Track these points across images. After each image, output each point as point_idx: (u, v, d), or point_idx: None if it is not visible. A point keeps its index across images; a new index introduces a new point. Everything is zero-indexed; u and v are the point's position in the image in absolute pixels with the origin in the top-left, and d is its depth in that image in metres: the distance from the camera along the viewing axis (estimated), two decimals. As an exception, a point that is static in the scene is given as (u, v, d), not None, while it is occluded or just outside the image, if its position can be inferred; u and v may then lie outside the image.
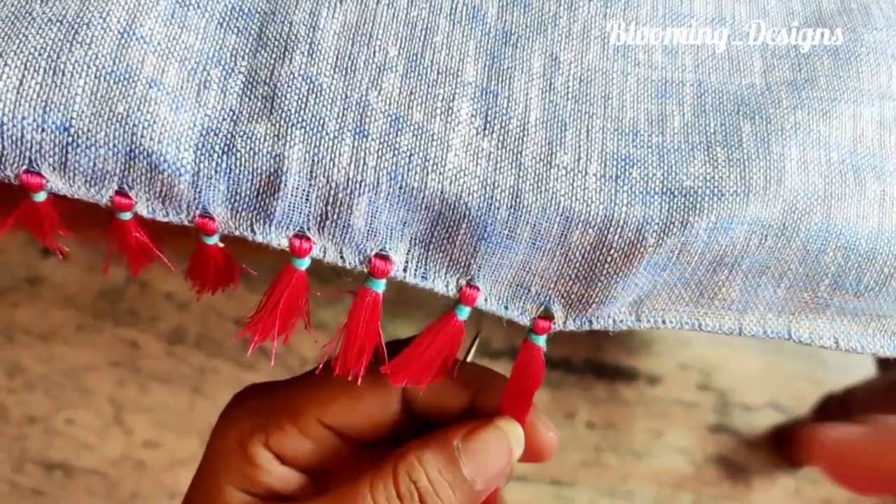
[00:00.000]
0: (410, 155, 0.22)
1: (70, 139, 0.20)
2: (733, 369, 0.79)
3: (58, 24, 0.21)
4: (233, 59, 0.22)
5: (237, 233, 0.22)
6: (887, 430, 0.24)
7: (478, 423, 0.25)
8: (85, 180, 0.21)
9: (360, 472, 0.25)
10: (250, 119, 0.21)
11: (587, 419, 0.67)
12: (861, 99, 0.25)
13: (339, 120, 0.22)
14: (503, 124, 0.23)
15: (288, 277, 0.23)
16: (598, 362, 0.69)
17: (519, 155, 0.22)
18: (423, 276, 0.23)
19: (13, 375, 0.77)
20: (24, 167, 0.21)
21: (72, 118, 0.20)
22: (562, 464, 0.65)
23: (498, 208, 0.22)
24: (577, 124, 0.23)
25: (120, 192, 0.21)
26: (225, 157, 0.21)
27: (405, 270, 0.23)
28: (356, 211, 0.22)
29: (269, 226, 0.22)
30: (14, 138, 0.20)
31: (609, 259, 0.23)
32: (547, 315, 0.24)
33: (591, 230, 0.22)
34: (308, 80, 0.22)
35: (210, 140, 0.21)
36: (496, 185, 0.22)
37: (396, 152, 0.22)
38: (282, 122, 0.21)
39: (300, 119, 0.21)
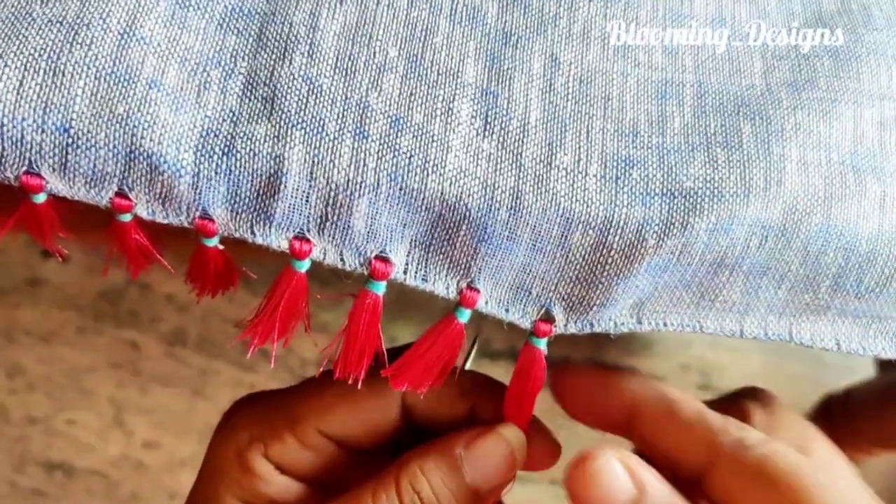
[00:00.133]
0: (410, 156, 0.22)
1: (70, 140, 0.20)
2: (734, 370, 0.79)
3: (58, 25, 0.21)
4: (233, 60, 0.22)
5: (237, 234, 0.22)
6: (617, 371, 0.24)
7: (479, 430, 0.25)
8: (85, 181, 0.21)
9: (359, 480, 0.25)
10: (250, 120, 0.21)
11: (588, 420, 0.67)
12: (861, 100, 0.25)
13: (340, 121, 0.22)
14: (503, 125, 0.23)
15: (288, 280, 0.23)
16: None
17: (519, 156, 0.22)
18: (423, 279, 0.23)
19: (14, 376, 0.77)
20: (24, 168, 0.21)
21: (72, 119, 0.20)
22: (562, 464, 0.65)
23: (498, 209, 0.22)
24: (577, 125, 0.23)
25: (120, 194, 0.21)
26: (225, 159, 0.21)
27: (405, 272, 0.23)
28: (356, 212, 0.22)
29: (269, 227, 0.22)
30: (14, 139, 0.20)
31: (609, 260, 0.23)
32: (548, 318, 0.24)
33: (591, 231, 0.22)
34: (308, 81, 0.22)
35: (210, 141, 0.21)
36: (496, 186, 0.22)
37: (396, 153, 0.22)
38: (282, 123, 0.21)
39: (300, 120, 0.21)
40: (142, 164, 0.21)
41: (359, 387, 0.24)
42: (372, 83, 0.22)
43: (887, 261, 0.24)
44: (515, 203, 0.22)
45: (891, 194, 0.24)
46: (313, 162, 0.21)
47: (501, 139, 0.22)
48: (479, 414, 0.27)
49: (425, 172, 0.22)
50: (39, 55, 0.20)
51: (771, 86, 0.25)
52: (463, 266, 0.23)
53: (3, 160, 0.20)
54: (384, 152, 0.22)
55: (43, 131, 0.20)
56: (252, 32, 0.22)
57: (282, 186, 0.21)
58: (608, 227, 0.22)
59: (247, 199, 0.22)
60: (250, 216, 0.22)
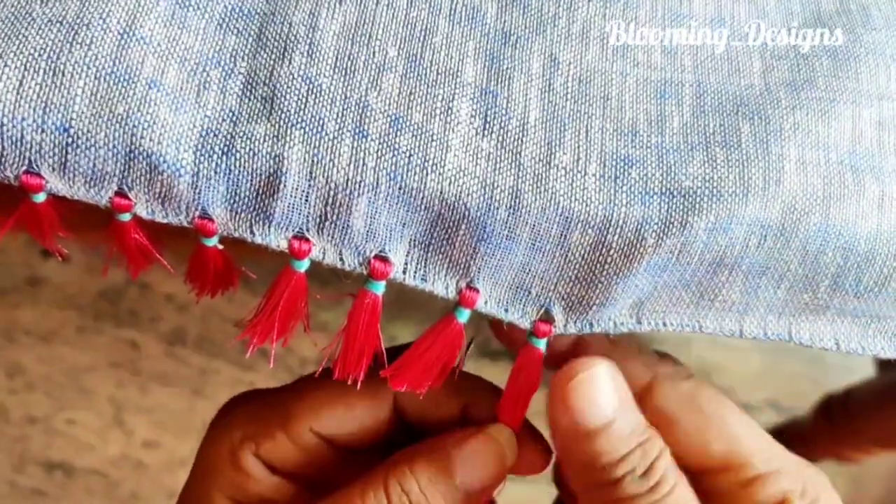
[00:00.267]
0: (410, 155, 0.22)
1: (70, 140, 0.20)
2: (733, 369, 0.79)
3: (58, 24, 0.21)
4: (232, 59, 0.22)
5: (236, 234, 0.22)
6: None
7: (470, 430, 0.25)
8: (84, 181, 0.21)
9: (350, 480, 0.25)
10: (250, 120, 0.21)
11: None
12: (860, 100, 0.25)
13: (339, 120, 0.22)
14: (502, 125, 0.23)
15: (287, 279, 0.23)
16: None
17: (518, 155, 0.22)
18: (422, 278, 0.23)
19: (14, 376, 0.77)
20: (24, 168, 0.21)
21: (71, 119, 0.20)
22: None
23: (497, 208, 0.22)
24: (576, 125, 0.23)
25: (119, 193, 0.21)
26: (224, 158, 0.21)
27: (405, 272, 0.23)
28: (355, 212, 0.22)
29: (269, 227, 0.22)
30: (14, 139, 0.20)
31: (609, 260, 0.23)
32: (547, 318, 0.24)
33: (590, 230, 0.22)
34: (307, 81, 0.22)
35: (210, 141, 0.21)
36: (495, 185, 0.22)
37: (396, 152, 0.22)
38: (281, 123, 0.21)
39: (300, 119, 0.21)
40: (141, 164, 0.21)
41: (357, 387, 0.24)
42: (371, 82, 0.22)
43: (886, 260, 0.24)
44: (515, 202, 0.22)
45: (889, 194, 0.24)
46: (313, 161, 0.21)
47: (501, 138, 0.23)
48: (471, 415, 0.27)
49: (425, 171, 0.22)
50: (39, 55, 0.20)
51: (770, 85, 0.25)
52: (462, 266, 0.23)
53: (3, 160, 0.20)
54: (384, 151, 0.22)
55: (43, 131, 0.20)
56: (252, 32, 0.22)
57: (281, 186, 0.21)
58: (607, 226, 0.22)
59: (246, 199, 0.22)
60: (250, 216, 0.22)
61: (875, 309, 0.25)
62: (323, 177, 0.21)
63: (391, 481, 0.24)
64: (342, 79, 0.22)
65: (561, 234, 0.23)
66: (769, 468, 0.24)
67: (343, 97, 0.22)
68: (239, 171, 0.21)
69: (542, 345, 0.24)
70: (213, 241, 0.23)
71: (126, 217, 0.22)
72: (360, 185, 0.21)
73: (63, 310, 0.78)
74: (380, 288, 0.23)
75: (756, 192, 0.23)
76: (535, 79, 0.24)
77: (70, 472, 0.76)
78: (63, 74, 0.20)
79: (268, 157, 0.21)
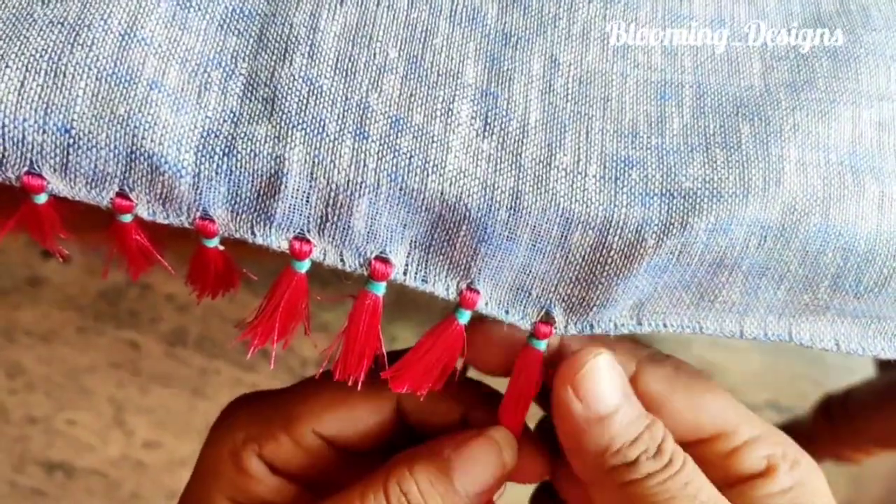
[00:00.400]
0: (410, 156, 0.22)
1: (71, 141, 0.20)
2: (733, 370, 0.79)
3: (59, 26, 0.21)
4: (233, 60, 0.22)
5: (237, 235, 0.22)
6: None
7: (470, 433, 0.25)
8: (86, 182, 0.21)
9: (351, 481, 0.25)
10: (251, 121, 0.22)
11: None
12: (860, 100, 0.25)
13: (340, 121, 0.22)
14: (503, 126, 0.23)
15: (288, 280, 0.23)
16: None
17: (519, 156, 0.22)
18: (423, 280, 0.23)
19: (14, 376, 0.77)
20: (26, 169, 0.21)
21: (73, 120, 0.20)
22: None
23: (498, 209, 0.22)
24: (576, 126, 0.23)
25: (121, 194, 0.21)
26: (225, 159, 0.21)
27: (405, 273, 0.23)
28: (356, 213, 0.22)
29: (270, 228, 0.22)
30: (15, 140, 0.20)
31: (609, 260, 0.23)
32: (548, 319, 0.24)
33: (590, 231, 0.22)
34: (308, 82, 0.22)
35: (211, 142, 0.21)
36: (496, 186, 0.22)
37: (397, 154, 0.22)
38: (282, 124, 0.21)
39: (300, 121, 0.22)
40: (142, 165, 0.21)
41: (358, 388, 0.24)
42: (372, 84, 0.22)
43: (885, 260, 0.24)
44: (515, 203, 0.22)
45: (889, 194, 0.24)
46: (314, 162, 0.21)
47: (501, 140, 0.23)
48: (472, 418, 0.27)
49: (425, 173, 0.22)
50: (41, 56, 0.20)
51: (770, 86, 0.25)
52: (463, 267, 0.23)
53: (5, 161, 0.20)
54: (384, 153, 0.22)
55: (44, 132, 0.20)
56: (252, 33, 0.22)
57: (282, 187, 0.21)
58: (608, 227, 0.22)
59: (247, 200, 0.22)
60: (251, 217, 0.22)
61: (875, 309, 0.25)
62: (324, 178, 0.21)
63: (391, 483, 0.24)
64: (343, 80, 0.22)
65: (561, 236, 0.23)
66: (752, 435, 0.25)
67: (344, 98, 0.22)
68: (240, 172, 0.21)
69: (542, 346, 0.24)
70: (214, 242, 0.23)
71: (127, 218, 0.22)
72: (360, 187, 0.21)
73: (63, 310, 0.78)
74: (380, 289, 0.23)
75: (756, 193, 0.23)
76: (536, 80, 0.24)
77: (70, 472, 0.76)
78: (64, 75, 0.20)
79: (269, 158, 0.21)
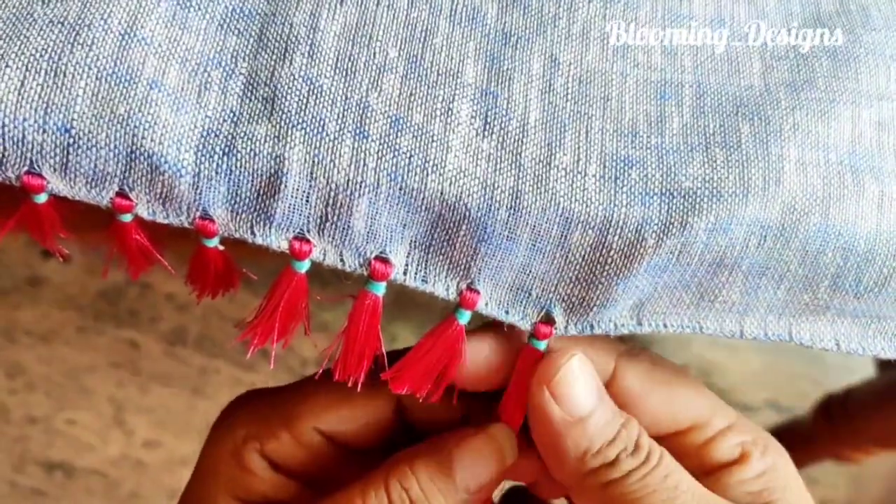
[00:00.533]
0: (410, 156, 0.22)
1: (71, 140, 0.20)
2: (733, 369, 0.79)
3: (59, 25, 0.21)
4: (233, 60, 0.22)
5: (237, 235, 0.22)
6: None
7: (470, 430, 0.25)
8: (86, 181, 0.21)
9: (352, 479, 0.25)
10: (251, 120, 0.22)
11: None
12: (860, 100, 0.25)
13: (340, 121, 0.22)
14: (503, 125, 0.23)
15: (288, 280, 0.23)
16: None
17: (518, 156, 0.22)
18: (423, 280, 0.23)
19: (14, 376, 0.77)
20: (26, 168, 0.21)
21: (73, 119, 0.20)
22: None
23: (498, 209, 0.22)
24: (576, 125, 0.23)
25: (120, 194, 0.21)
26: (225, 159, 0.21)
27: (405, 273, 0.23)
28: (356, 212, 0.22)
29: (269, 228, 0.22)
30: (15, 140, 0.20)
31: (609, 260, 0.23)
32: (548, 320, 0.24)
33: (590, 231, 0.22)
34: (308, 82, 0.22)
35: (211, 141, 0.21)
36: (496, 185, 0.22)
37: (396, 153, 0.22)
38: (282, 124, 0.21)
39: (300, 120, 0.22)
40: (142, 165, 0.21)
41: (358, 388, 0.24)
42: (372, 83, 0.22)
43: (885, 260, 0.24)
44: (515, 203, 0.22)
45: (889, 194, 0.24)
46: (313, 162, 0.21)
47: (501, 139, 0.23)
48: (472, 417, 0.27)
49: (425, 172, 0.22)
50: (41, 56, 0.20)
51: (769, 86, 0.25)
52: (463, 267, 0.23)
53: (5, 160, 0.20)
54: (384, 152, 0.22)
55: (44, 131, 0.20)
56: (252, 33, 0.22)
57: (282, 186, 0.21)
58: (607, 226, 0.22)
59: (247, 200, 0.22)
60: (250, 216, 0.22)
61: (875, 309, 0.25)
62: (324, 177, 0.21)
63: (392, 480, 0.24)
64: (343, 80, 0.22)
65: (561, 235, 0.23)
66: (726, 424, 0.26)
67: (344, 98, 0.22)
68: (240, 172, 0.21)
69: (542, 346, 0.24)
70: (213, 242, 0.23)
71: (127, 217, 0.22)
72: (360, 186, 0.21)
73: (63, 310, 0.78)
74: (380, 289, 0.23)
75: (756, 193, 0.23)
76: (536, 79, 0.24)
77: (70, 471, 0.76)
78: (64, 75, 0.20)
79: (268, 157, 0.21)
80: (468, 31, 0.24)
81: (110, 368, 0.78)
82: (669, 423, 0.26)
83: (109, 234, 0.23)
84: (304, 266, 0.23)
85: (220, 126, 0.21)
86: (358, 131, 0.22)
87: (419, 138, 0.22)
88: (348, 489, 0.24)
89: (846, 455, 0.65)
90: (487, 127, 0.23)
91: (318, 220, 0.22)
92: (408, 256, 0.23)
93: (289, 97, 0.22)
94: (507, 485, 0.30)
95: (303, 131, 0.21)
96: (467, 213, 0.22)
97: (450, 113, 0.22)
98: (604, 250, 0.23)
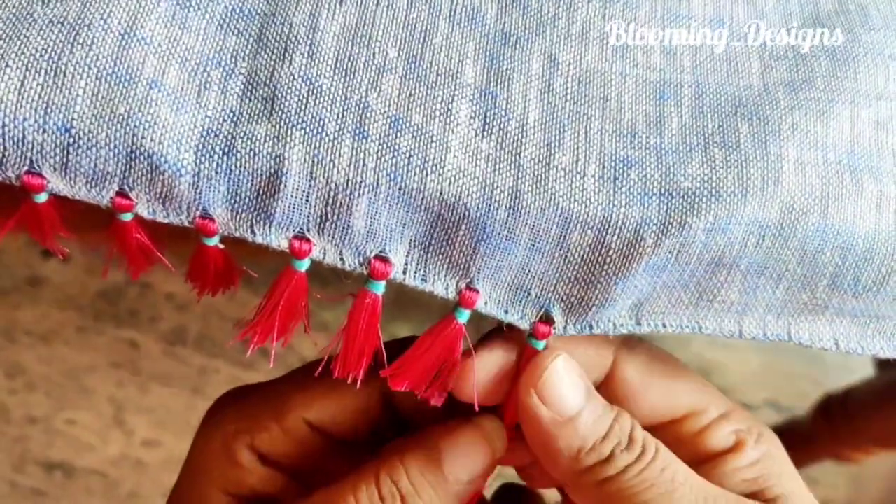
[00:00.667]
0: (410, 156, 0.22)
1: (71, 140, 0.20)
2: (733, 369, 0.79)
3: (59, 25, 0.21)
4: (233, 60, 0.22)
5: (237, 234, 0.22)
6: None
7: (459, 422, 0.25)
8: (86, 181, 0.21)
9: (344, 470, 0.25)
10: (250, 120, 0.22)
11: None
12: (858, 100, 0.25)
13: (339, 121, 0.22)
14: (502, 126, 0.23)
15: (288, 279, 0.23)
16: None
17: (518, 156, 0.22)
18: (422, 279, 0.23)
19: (14, 376, 0.77)
20: (26, 168, 0.21)
21: (73, 119, 0.20)
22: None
23: (497, 209, 0.22)
24: (575, 126, 0.23)
25: (120, 193, 0.21)
26: (225, 158, 0.21)
27: (405, 272, 0.23)
28: (356, 212, 0.22)
29: (269, 227, 0.22)
30: (15, 139, 0.20)
31: (608, 260, 0.23)
32: (547, 319, 0.24)
33: (589, 231, 0.22)
34: (308, 82, 0.22)
35: (210, 141, 0.21)
36: (495, 185, 0.22)
37: (396, 153, 0.22)
38: (282, 124, 0.22)
39: (300, 120, 0.22)
40: (142, 164, 0.21)
41: (357, 386, 0.24)
42: (371, 84, 0.22)
43: (884, 260, 0.24)
44: (514, 203, 0.22)
45: (887, 194, 0.24)
46: (313, 162, 0.21)
47: (500, 139, 0.23)
48: (460, 405, 0.27)
49: (424, 172, 0.22)
50: (41, 56, 0.20)
51: (768, 86, 0.25)
52: (462, 266, 0.23)
53: (5, 160, 0.20)
54: (384, 152, 0.22)
55: (44, 131, 0.20)
56: (252, 33, 0.23)
57: (282, 186, 0.21)
58: (606, 226, 0.22)
59: (247, 199, 0.22)
60: (250, 216, 0.22)
61: (874, 308, 0.25)
62: (323, 177, 0.21)
63: (382, 474, 0.24)
64: (342, 80, 0.22)
65: (560, 235, 0.23)
66: (720, 412, 0.26)
67: (343, 98, 0.22)
68: (240, 172, 0.21)
69: (541, 346, 0.24)
70: (214, 241, 0.23)
71: (127, 217, 0.22)
72: (360, 186, 0.22)
73: (63, 310, 0.78)
74: (380, 288, 0.23)
75: (755, 193, 0.23)
76: (535, 80, 0.24)
77: (70, 471, 0.76)
78: (64, 75, 0.20)
79: (268, 157, 0.21)
80: (467, 31, 0.24)
81: (110, 368, 0.78)
82: (667, 412, 0.26)
83: (109, 233, 0.23)
84: (304, 265, 0.23)
85: (220, 126, 0.21)
86: (357, 131, 0.22)
87: (418, 138, 0.22)
88: (339, 483, 0.25)
89: (846, 455, 0.65)
90: (487, 127, 0.23)
91: (318, 220, 0.22)
92: (407, 255, 0.23)
93: (288, 97, 0.22)
94: (499, 480, 0.30)
95: (302, 131, 0.21)
96: (467, 213, 0.22)
97: (449, 113, 0.22)
98: (602, 250, 0.23)
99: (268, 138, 0.21)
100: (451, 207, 0.22)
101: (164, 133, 0.21)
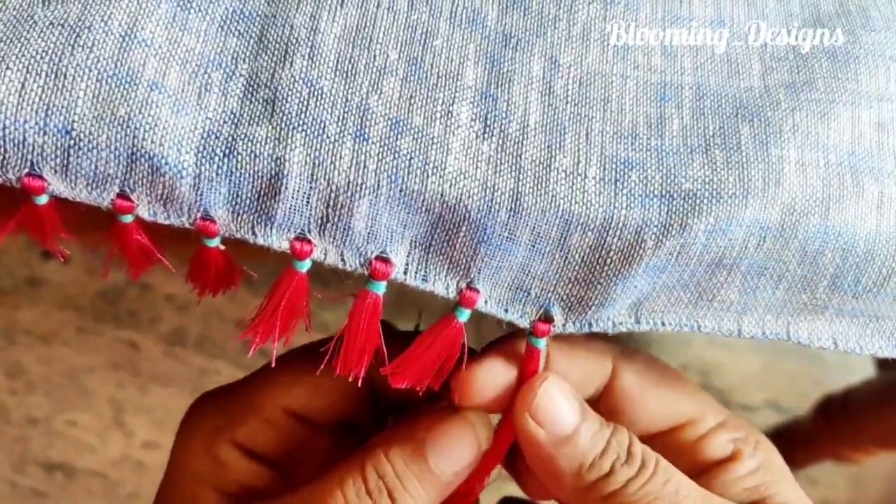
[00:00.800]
0: (410, 158, 0.22)
1: (72, 142, 0.20)
2: (733, 369, 0.79)
3: (59, 27, 0.21)
4: (234, 62, 0.22)
5: (238, 235, 0.22)
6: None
7: (444, 413, 0.25)
8: (86, 183, 0.21)
9: (329, 461, 0.25)
10: (251, 122, 0.22)
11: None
12: (859, 101, 0.25)
13: (340, 123, 0.22)
14: (503, 128, 0.23)
15: (289, 279, 0.23)
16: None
17: (518, 158, 0.22)
18: (423, 279, 0.23)
19: (14, 377, 0.77)
20: (26, 170, 0.21)
21: (73, 121, 0.20)
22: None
23: (498, 211, 0.22)
24: (576, 127, 0.23)
25: (121, 195, 0.21)
26: (226, 160, 0.21)
27: (405, 273, 0.23)
28: (357, 214, 0.22)
29: (270, 228, 0.22)
30: (16, 142, 0.20)
31: (608, 261, 0.23)
32: (546, 318, 0.24)
33: (590, 233, 0.23)
34: (309, 84, 0.22)
35: (211, 143, 0.21)
36: (496, 187, 0.22)
37: (397, 155, 0.22)
38: (283, 126, 0.22)
39: (301, 122, 0.22)
40: (143, 166, 0.21)
41: (359, 384, 0.24)
42: (372, 86, 0.22)
43: (885, 261, 0.24)
44: (515, 205, 0.22)
45: (888, 195, 0.24)
46: (314, 164, 0.21)
47: (501, 141, 0.23)
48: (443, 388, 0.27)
49: (425, 174, 0.22)
50: (41, 58, 0.20)
51: (769, 87, 0.25)
52: (462, 266, 0.23)
53: (6, 162, 0.20)
54: (384, 154, 0.22)
55: (45, 133, 0.20)
56: (253, 35, 0.23)
57: (283, 188, 0.21)
58: (607, 228, 0.22)
59: (248, 201, 0.22)
60: (251, 217, 0.22)
61: (873, 309, 0.25)
62: (324, 179, 0.21)
63: (368, 467, 0.24)
64: (343, 82, 0.22)
65: (561, 237, 0.23)
66: (717, 421, 0.26)
67: (344, 100, 0.22)
68: (240, 174, 0.21)
69: (541, 344, 0.24)
70: (215, 242, 0.23)
71: (128, 218, 0.22)
72: (361, 188, 0.22)
73: (63, 310, 0.78)
74: (381, 288, 0.23)
75: (756, 194, 0.23)
76: (536, 81, 0.24)
77: (70, 472, 0.76)
78: (65, 77, 0.20)
79: (269, 159, 0.21)
80: (468, 33, 0.24)
81: (110, 369, 0.78)
82: (665, 421, 0.26)
83: (110, 234, 0.23)
84: (305, 266, 0.23)
85: (221, 128, 0.21)
86: (358, 133, 0.22)
87: (419, 141, 0.22)
88: (326, 477, 0.25)
89: (846, 455, 0.65)
90: (487, 129, 0.23)
91: (319, 221, 0.22)
92: (408, 256, 0.23)
93: (289, 99, 0.22)
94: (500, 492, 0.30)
95: (303, 133, 0.21)
96: (467, 215, 0.22)
97: (450, 115, 0.23)
98: (603, 252, 0.23)
99: (269, 140, 0.21)
100: (452, 209, 0.22)
101: (165, 135, 0.21)
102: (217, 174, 0.21)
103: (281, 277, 0.23)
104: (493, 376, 0.25)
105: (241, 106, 0.22)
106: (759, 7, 0.26)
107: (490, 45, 0.24)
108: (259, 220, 0.22)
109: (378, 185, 0.22)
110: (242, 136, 0.21)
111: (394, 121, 0.22)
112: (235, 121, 0.22)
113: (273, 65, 0.22)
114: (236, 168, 0.21)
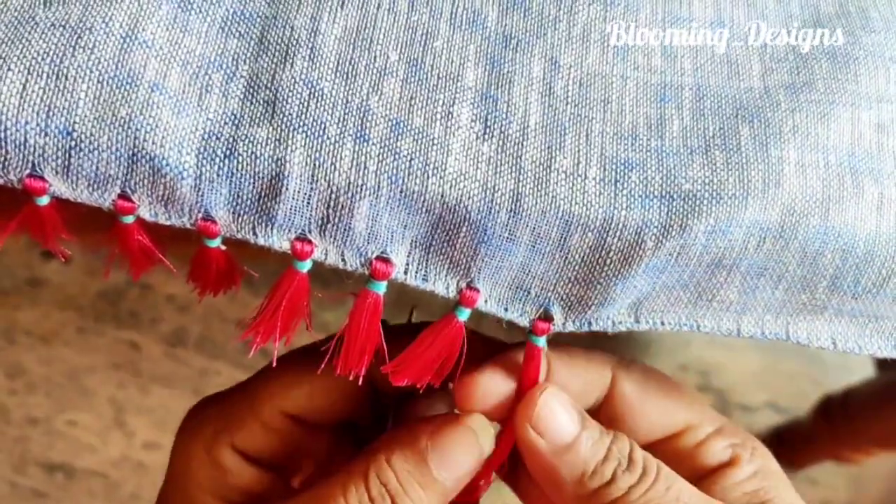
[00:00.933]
0: (411, 159, 0.22)
1: (73, 143, 0.21)
2: (732, 370, 0.79)
3: (60, 28, 0.21)
4: (234, 63, 0.22)
5: (239, 236, 0.22)
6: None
7: (446, 420, 0.26)
8: (88, 184, 0.21)
9: (329, 461, 0.25)
10: (252, 123, 0.22)
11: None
12: (859, 102, 0.25)
13: (340, 124, 0.22)
14: (503, 129, 0.23)
15: (290, 280, 0.23)
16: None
17: (519, 159, 0.23)
18: (423, 279, 0.23)
19: (14, 377, 0.77)
20: (28, 171, 0.21)
21: (74, 122, 0.20)
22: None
23: (498, 212, 0.22)
24: (576, 128, 0.23)
25: (122, 196, 0.21)
26: (227, 161, 0.21)
27: (406, 273, 0.23)
28: (357, 214, 0.22)
29: (271, 229, 0.22)
30: (17, 143, 0.20)
31: (608, 262, 0.23)
32: (546, 317, 0.24)
33: (590, 233, 0.23)
34: (309, 85, 0.22)
35: (212, 144, 0.21)
36: (496, 188, 0.22)
37: (397, 157, 0.22)
38: (283, 127, 0.22)
39: (301, 123, 0.22)
40: (144, 167, 0.21)
41: (360, 383, 0.24)
42: (373, 87, 0.22)
43: (884, 262, 0.24)
44: (515, 205, 0.22)
45: (888, 196, 0.24)
46: (314, 165, 0.21)
47: (501, 142, 0.23)
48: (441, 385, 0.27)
49: (426, 175, 0.22)
50: (42, 59, 0.20)
51: (769, 88, 0.25)
52: (463, 266, 0.23)
53: (7, 163, 0.20)
54: (385, 155, 0.22)
55: (46, 134, 0.20)
56: (253, 36, 0.23)
57: (283, 189, 0.21)
58: (607, 229, 0.22)
59: (249, 202, 0.22)
60: (252, 218, 0.22)
61: (873, 309, 0.26)
62: (325, 180, 0.22)
63: (370, 473, 0.24)
64: (343, 83, 0.22)
65: (561, 237, 0.23)
66: (714, 427, 0.27)
67: (344, 101, 0.22)
68: (241, 174, 0.21)
69: (541, 343, 0.25)
70: (215, 242, 0.23)
71: (129, 219, 0.22)
72: (361, 189, 0.22)
73: (63, 311, 0.78)
74: (381, 288, 0.23)
75: (756, 195, 0.23)
76: (536, 82, 0.24)
77: (71, 473, 0.76)
78: (66, 78, 0.20)
79: (270, 160, 0.21)
80: (468, 34, 0.24)
81: (111, 369, 0.78)
82: (665, 428, 0.27)
83: (111, 235, 0.23)
84: (305, 266, 0.23)
85: (222, 129, 0.21)
86: (359, 135, 0.22)
87: (420, 142, 0.22)
88: (329, 482, 0.25)
89: (846, 456, 0.65)
90: (488, 130, 0.23)
91: (320, 222, 0.22)
92: (408, 256, 0.23)
93: (290, 100, 0.22)
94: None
95: (304, 134, 0.22)
96: (468, 216, 0.22)
97: (450, 116, 0.23)
98: (603, 252, 0.23)
99: (269, 141, 0.21)
100: (453, 210, 0.22)
101: (166, 136, 0.21)
102: (218, 175, 0.21)
103: (282, 277, 0.23)
104: (494, 382, 0.25)
105: (242, 107, 0.22)
106: (759, 8, 0.26)
107: (490, 46, 0.24)
108: (260, 220, 0.22)
109: (378, 186, 0.22)
110: (243, 138, 0.21)
111: (394, 122, 0.22)
112: (236, 122, 0.22)
113: (273, 66, 0.22)
114: (237, 169, 0.21)
